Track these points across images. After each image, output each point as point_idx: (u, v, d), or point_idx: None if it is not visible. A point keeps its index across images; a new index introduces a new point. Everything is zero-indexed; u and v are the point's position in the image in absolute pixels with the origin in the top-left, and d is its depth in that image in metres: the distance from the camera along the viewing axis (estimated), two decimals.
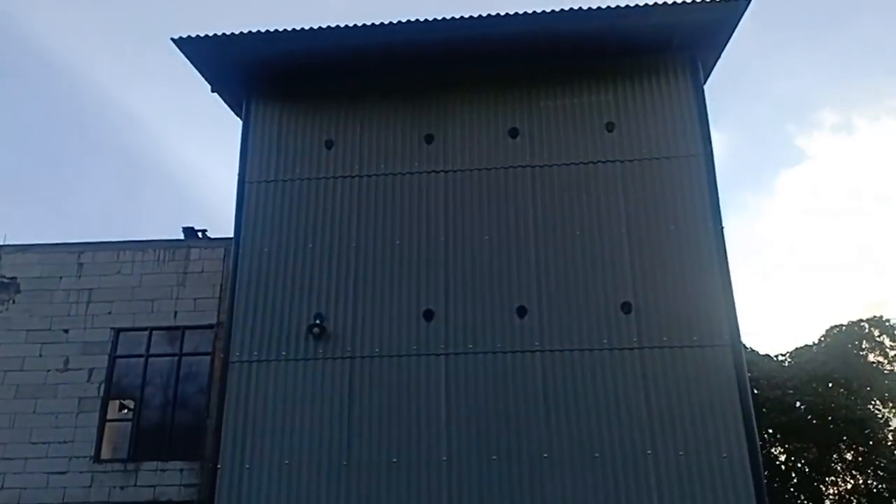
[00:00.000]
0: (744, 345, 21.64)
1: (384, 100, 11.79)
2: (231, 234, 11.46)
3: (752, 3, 10.70)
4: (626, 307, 10.27)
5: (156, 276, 12.62)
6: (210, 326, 12.27)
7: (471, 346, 10.22)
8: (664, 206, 10.81)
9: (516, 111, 11.52)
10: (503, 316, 10.34)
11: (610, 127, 11.30)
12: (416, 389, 10.07)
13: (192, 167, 59.24)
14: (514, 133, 11.37)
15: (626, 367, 10.00)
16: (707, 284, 10.34)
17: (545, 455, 9.61)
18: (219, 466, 9.90)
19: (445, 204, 11.06)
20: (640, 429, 9.67)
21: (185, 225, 13.46)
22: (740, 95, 57.13)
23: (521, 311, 10.34)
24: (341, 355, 10.30)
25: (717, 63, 11.91)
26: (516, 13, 10.79)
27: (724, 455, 9.49)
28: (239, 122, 12.05)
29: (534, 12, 10.79)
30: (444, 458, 9.70)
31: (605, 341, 10.15)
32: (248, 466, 9.87)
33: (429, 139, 11.45)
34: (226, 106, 12.54)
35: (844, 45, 56.09)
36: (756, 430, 9.76)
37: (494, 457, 9.66)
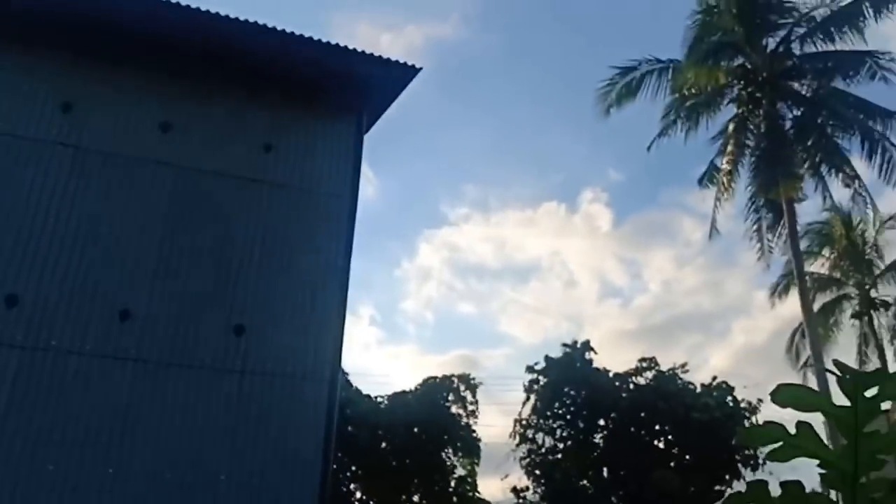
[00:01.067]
0: (350, 382, 22.70)
1: (22, 54, 10.28)
2: None
3: (424, 70, 11.58)
4: (239, 330, 10.10)
5: None
6: None
7: (55, 342, 9.16)
8: (301, 237, 10.97)
9: (174, 105, 10.87)
10: (102, 316, 9.49)
11: (268, 148, 11.17)
12: None
13: None
14: (166, 127, 10.65)
15: (224, 389, 9.82)
16: (322, 321, 10.64)
17: (110, 470, 8.90)
18: None
19: (66, 181, 9.91)
20: (222, 453, 9.47)
21: None
22: (406, 149, 61.31)
23: (124, 315, 9.56)
24: None
25: (385, 115, 12.52)
26: (187, 6, 10.22)
27: (296, 488, 9.68)
28: None
29: (205, 11, 10.31)
30: None
31: (208, 360, 9.84)
32: None
33: (65, 108, 10.21)
34: None
35: (496, 131, 63.75)
36: (330, 466, 10.17)
37: (51, 467, 8.67)
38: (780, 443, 1.75)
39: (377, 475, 22.44)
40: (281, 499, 9.58)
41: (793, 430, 1.72)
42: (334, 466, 20.78)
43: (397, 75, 11.63)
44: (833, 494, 1.84)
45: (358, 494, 22.86)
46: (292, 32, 10.83)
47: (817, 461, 1.74)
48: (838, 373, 1.67)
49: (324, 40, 11.03)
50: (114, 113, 10.51)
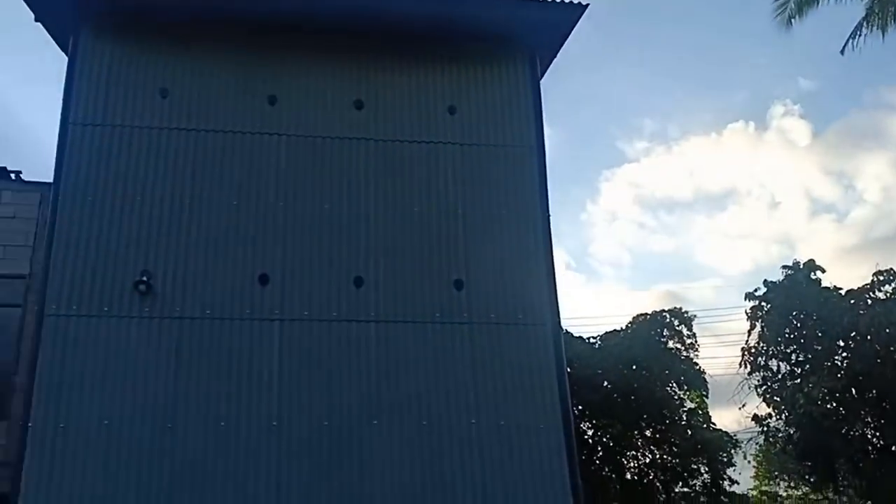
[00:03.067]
0: (560, 326, 23.03)
1: (226, 53, 11.29)
2: (48, 179, 10.60)
3: (591, 7, 11.34)
4: (458, 284, 10.64)
5: None
6: (21, 276, 11.32)
7: (306, 312, 10.14)
8: (497, 191, 11.26)
9: (363, 84, 11.46)
10: (339, 285, 10.35)
11: (451, 110, 11.56)
12: (248, 354, 9.83)
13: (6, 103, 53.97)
14: (359, 105, 11.33)
15: (455, 341, 10.38)
16: (532, 268, 10.93)
17: (375, 422, 9.77)
18: (30, 424, 9.17)
19: (285, 168, 10.80)
20: (465, 399, 10.08)
21: None
22: (572, 92, 60.30)
23: (358, 282, 10.39)
24: (169, 315, 9.83)
25: (554, 60, 12.49)
26: None
27: (541, 426, 10.13)
28: (64, 59, 11.03)
29: None
30: (275, 423, 9.58)
31: (437, 315, 10.46)
32: (62, 426, 9.20)
33: (272, 100, 11.11)
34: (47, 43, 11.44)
35: (666, 58, 60.75)
36: (570, 404, 10.51)
37: (326, 422, 9.67)
38: None
39: (603, 413, 22.65)
40: (531, 439, 10.04)
41: None
42: None
43: (564, 16, 11.54)
44: None
45: (591, 433, 23.21)
46: None
47: None
48: None
49: None
50: (313, 98, 11.29)
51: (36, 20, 11.07)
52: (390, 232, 10.77)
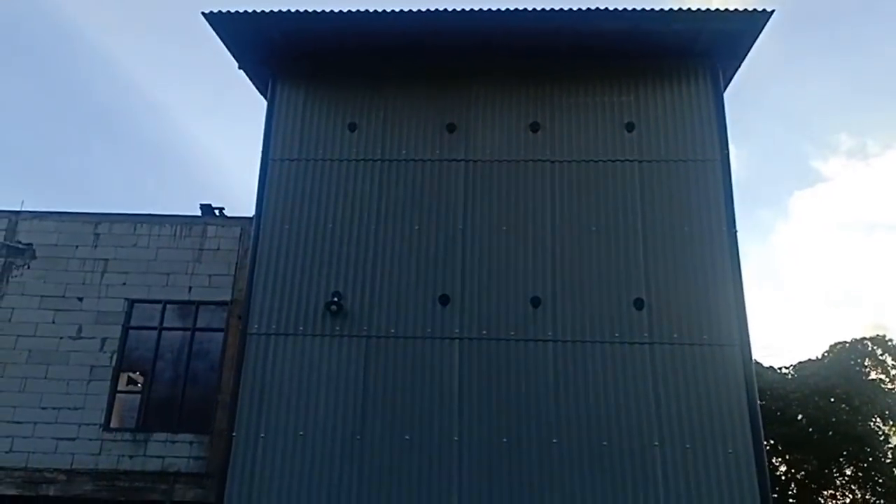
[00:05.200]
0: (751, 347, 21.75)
1: (408, 87, 11.86)
2: (247, 214, 11.55)
3: (774, 17, 10.85)
4: (639, 303, 10.37)
5: (172, 250, 12.73)
6: (224, 303, 12.35)
7: (484, 332, 10.28)
8: (679, 208, 10.91)
9: (538, 106, 11.60)
10: (517, 305, 10.42)
11: (630, 127, 11.40)
12: (430, 371, 10.13)
13: (209, 147, 59.86)
14: (535, 127, 11.46)
15: (636, 361, 10.10)
16: (718, 286, 10.45)
17: (554, 441, 9.69)
18: (234, 434, 9.94)
19: (465, 192, 11.11)
20: (647, 420, 9.77)
21: (202, 202, 13.54)
22: (757, 109, 57.44)
23: (535, 301, 10.41)
24: (357, 333, 10.36)
25: (737, 73, 12.02)
26: (542, 9, 10.91)
27: (730, 451, 9.61)
28: (262, 104, 12.10)
29: (560, 9, 10.92)
30: (456, 439, 9.77)
31: (616, 335, 10.24)
32: (262, 435, 9.91)
33: (451, 128, 11.51)
34: (242, 90, 12.64)
35: (863, 69, 56.46)
36: (762, 428, 9.86)
37: (505, 439, 9.74)
38: None
39: (797, 448, 21.06)
40: (718, 465, 9.56)
41: None
42: None
43: (747, 26, 11.07)
44: None
45: (783, 468, 21.64)
46: (634, 10, 10.87)
47: None
48: None
49: (665, 8, 10.97)
50: (489, 124, 11.55)
51: (239, 68, 12.19)
52: (568, 252, 10.72)
